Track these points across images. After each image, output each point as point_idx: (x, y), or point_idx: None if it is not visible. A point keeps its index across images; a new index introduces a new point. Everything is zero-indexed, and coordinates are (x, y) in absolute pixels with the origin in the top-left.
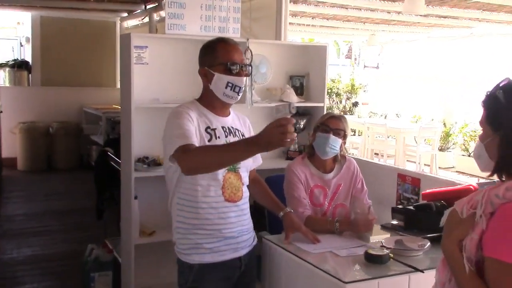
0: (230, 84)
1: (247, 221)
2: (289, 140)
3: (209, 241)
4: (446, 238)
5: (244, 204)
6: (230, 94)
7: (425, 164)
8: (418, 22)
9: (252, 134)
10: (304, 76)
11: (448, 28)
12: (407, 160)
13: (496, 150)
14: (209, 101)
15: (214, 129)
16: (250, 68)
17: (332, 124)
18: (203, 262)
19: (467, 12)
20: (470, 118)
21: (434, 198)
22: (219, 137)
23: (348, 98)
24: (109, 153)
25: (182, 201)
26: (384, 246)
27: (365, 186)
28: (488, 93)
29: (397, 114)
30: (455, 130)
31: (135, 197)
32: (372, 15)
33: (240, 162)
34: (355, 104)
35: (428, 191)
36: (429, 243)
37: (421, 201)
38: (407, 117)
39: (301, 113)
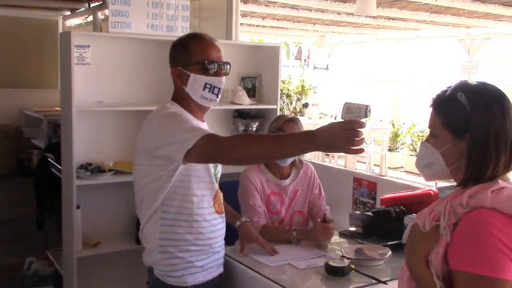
0: (208, 86)
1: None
2: (355, 148)
3: (201, 258)
4: (411, 256)
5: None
6: (209, 97)
7: (375, 165)
8: (368, 24)
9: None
10: (256, 78)
11: (396, 30)
12: (357, 161)
13: (465, 156)
14: (187, 105)
15: None
16: (229, 66)
17: (288, 129)
18: (197, 283)
19: (415, 14)
20: (418, 119)
21: (393, 203)
22: None
23: (298, 99)
24: (49, 159)
25: (172, 215)
26: (345, 257)
27: (322, 192)
28: (441, 96)
29: None
30: (403, 131)
31: (78, 207)
32: (323, 16)
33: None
34: (305, 105)
35: (386, 196)
36: (390, 252)
37: (379, 207)
38: None
39: (253, 115)
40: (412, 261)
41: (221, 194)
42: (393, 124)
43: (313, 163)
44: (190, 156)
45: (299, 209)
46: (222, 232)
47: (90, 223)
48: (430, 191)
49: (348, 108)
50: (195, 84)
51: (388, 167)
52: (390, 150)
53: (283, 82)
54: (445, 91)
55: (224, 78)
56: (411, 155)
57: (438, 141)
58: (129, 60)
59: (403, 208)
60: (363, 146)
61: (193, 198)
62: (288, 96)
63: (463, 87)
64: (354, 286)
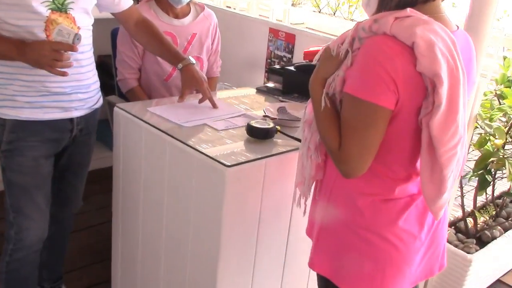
0: None
1: (86, 76)
2: (58, 70)
3: (28, 95)
4: (313, 74)
5: (82, 54)
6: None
7: (277, 20)
8: None
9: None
10: None
11: None
12: (259, 15)
13: None
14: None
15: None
16: None
17: None
18: (20, 118)
19: None
20: None
21: None
22: None
23: None
24: None
25: None
26: (268, 116)
27: (219, 47)
28: None
29: None
30: None
31: None
32: None
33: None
34: None
35: (311, 49)
36: None
37: (300, 61)
38: None
39: None
40: (312, 79)
41: (68, 27)
42: None
43: (225, 11)
44: None
45: (196, 55)
46: (70, 73)
47: None
48: None
49: (60, 31)
50: None
51: (291, 23)
52: (293, 5)
53: None
54: None
55: None
56: (314, 11)
57: None
58: None
59: None
60: None
61: (14, 28)
62: None
63: None
64: (280, 150)
